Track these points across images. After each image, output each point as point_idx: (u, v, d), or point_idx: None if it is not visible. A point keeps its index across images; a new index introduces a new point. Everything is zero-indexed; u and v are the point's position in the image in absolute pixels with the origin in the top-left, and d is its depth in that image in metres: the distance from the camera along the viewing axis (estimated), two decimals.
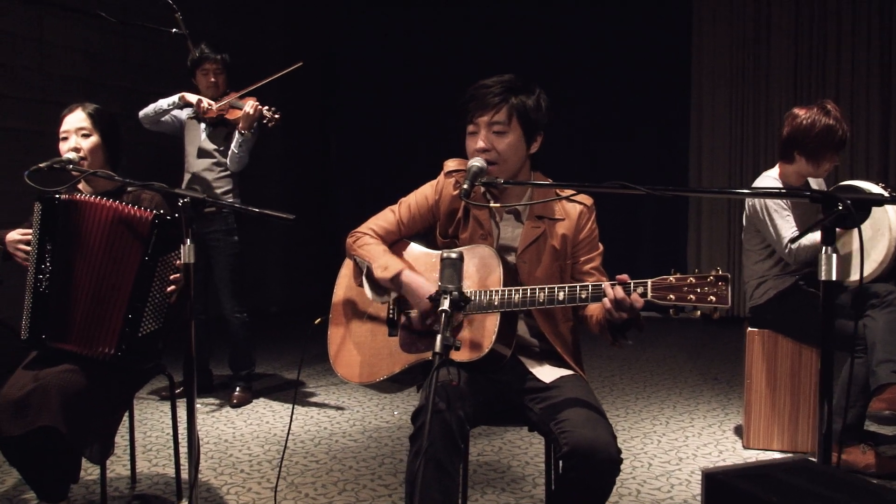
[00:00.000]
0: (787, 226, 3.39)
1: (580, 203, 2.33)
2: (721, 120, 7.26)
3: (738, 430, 3.88)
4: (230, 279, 4.36)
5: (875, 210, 3.14)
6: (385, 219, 2.45)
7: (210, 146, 4.36)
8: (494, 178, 2.15)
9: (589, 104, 7.61)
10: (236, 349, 4.49)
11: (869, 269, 3.28)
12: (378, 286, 2.35)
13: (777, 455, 3.51)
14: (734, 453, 3.57)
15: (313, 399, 4.57)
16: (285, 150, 7.85)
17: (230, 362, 4.54)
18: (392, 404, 4.43)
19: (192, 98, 4.30)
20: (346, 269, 2.48)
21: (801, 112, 3.44)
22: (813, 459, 1.50)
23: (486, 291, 2.13)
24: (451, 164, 2.42)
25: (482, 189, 2.25)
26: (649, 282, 1.95)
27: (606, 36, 7.57)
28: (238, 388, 4.47)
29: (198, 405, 4.27)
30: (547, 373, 2.24)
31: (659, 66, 7.47)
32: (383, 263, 2.30)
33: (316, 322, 2.50)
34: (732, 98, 7.20)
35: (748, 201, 3.54)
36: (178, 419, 2.89)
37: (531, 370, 2.25)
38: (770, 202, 3.41)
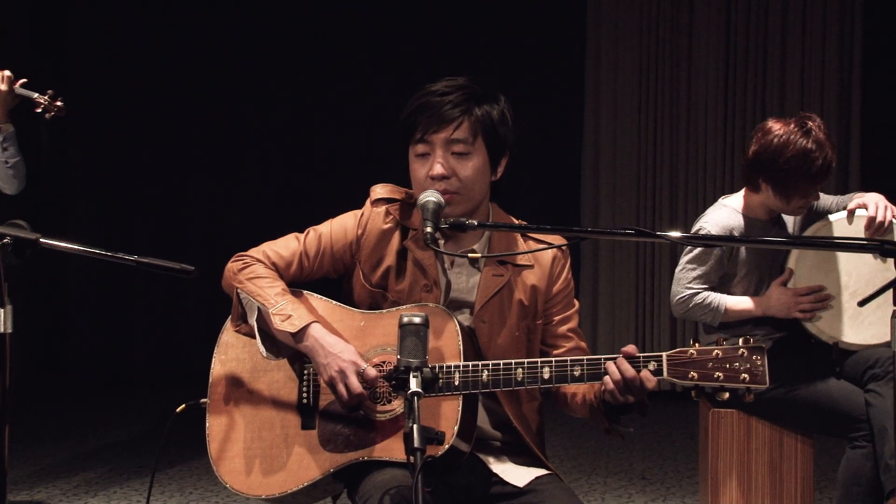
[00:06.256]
0: (691, 276, 3.73)
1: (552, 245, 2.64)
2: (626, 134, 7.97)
3: None
4: None
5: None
6: (286, 246, 2.65)
7: None
8: (461, 217, 2.42)
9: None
10: None
11: (868, 336, 3.74)
12: (273, 340, 2.53)
13: None
14: None
15: None
16: None
17: None
18: None
19: None
20: (229, 334, 2.65)
21: (775, 126, 3.68)
22: None
23: (443, 367, 2.40)
24: (379, 191, 2.67)
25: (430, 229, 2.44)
26: (664, 356, 2.30)
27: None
28: None
29: None
30: (516, 473, 2.54)
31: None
32: (285, 310, 2.49)
33: (179, 410, 2.63)
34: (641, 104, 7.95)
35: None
36: None
37: (495, 470, 2.54)
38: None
